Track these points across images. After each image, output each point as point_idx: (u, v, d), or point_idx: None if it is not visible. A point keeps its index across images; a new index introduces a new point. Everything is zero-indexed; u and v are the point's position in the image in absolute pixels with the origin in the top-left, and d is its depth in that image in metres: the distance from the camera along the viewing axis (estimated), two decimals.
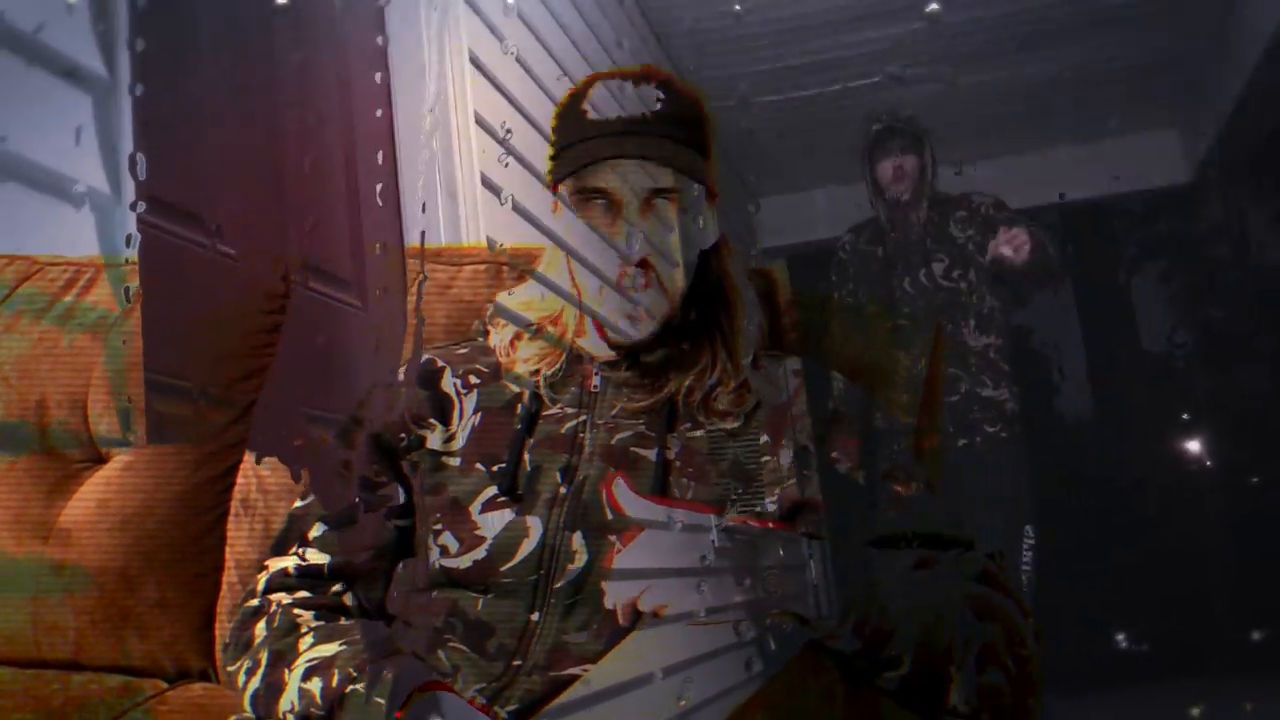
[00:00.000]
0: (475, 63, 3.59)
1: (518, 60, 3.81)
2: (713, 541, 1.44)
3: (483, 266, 2.31)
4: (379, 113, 3.35)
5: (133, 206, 2.40)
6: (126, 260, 2.33)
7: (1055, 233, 5.33)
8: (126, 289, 2.29)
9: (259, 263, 2.57)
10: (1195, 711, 5.64)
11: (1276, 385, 7.49)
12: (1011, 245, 5.09)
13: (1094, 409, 8.52)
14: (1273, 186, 7.68)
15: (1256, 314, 7.75)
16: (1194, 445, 7.76)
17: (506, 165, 3.44)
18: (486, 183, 3.44)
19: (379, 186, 3.32)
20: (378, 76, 3.36)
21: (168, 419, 2.28)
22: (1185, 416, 7.78)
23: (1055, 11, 6.33)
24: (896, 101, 5.89)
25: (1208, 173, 7.87)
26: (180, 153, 2.58)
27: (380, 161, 3.35)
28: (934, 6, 6.22)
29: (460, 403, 1.96)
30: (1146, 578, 7.33)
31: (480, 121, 3.50)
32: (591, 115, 1.91)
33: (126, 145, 2.46)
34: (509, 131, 3.53)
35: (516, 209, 3.19)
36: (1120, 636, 6.92)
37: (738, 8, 5.98)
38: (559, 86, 4.00)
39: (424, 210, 3.31)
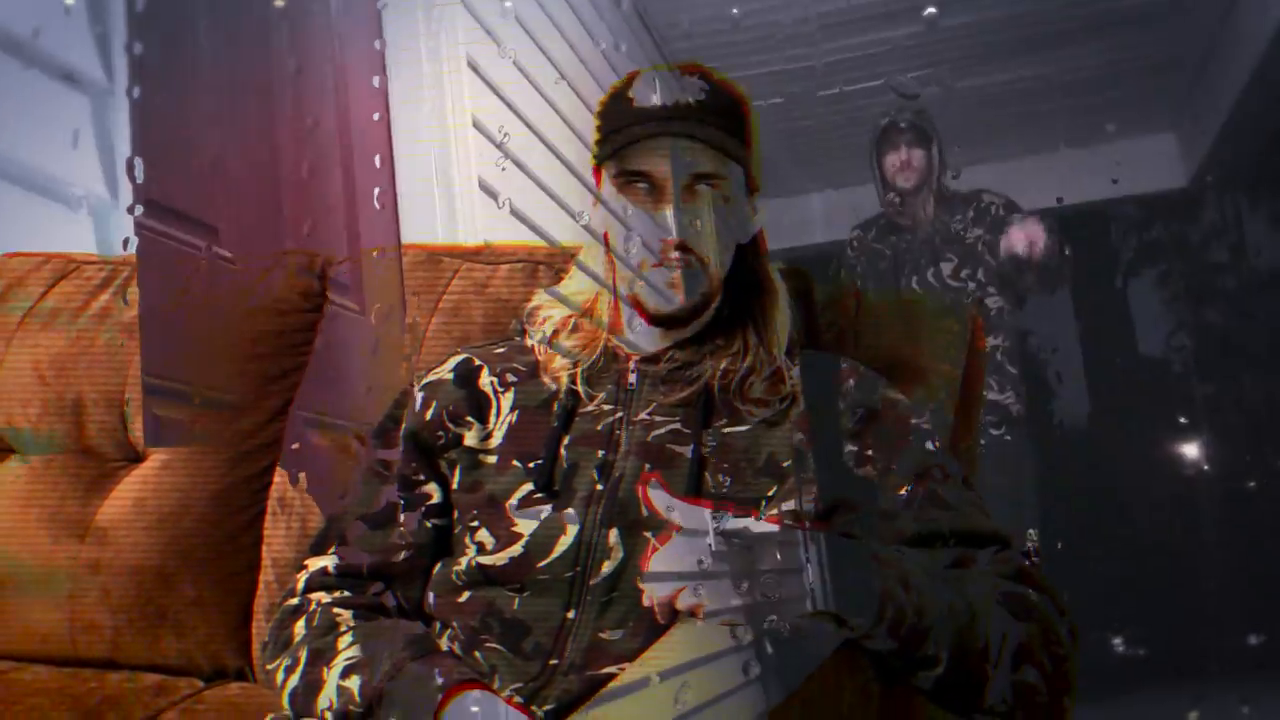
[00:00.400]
0: (473, 66, 3.59)
1: (515, 64, 3.80)
2: (709, 545, 1.43)
3: (519, 265, 2.32)
4: (376, 116, 3.35)
5: (130, 210, 2.40)
6: (124, 292, 2.33)
7: (1054, 236, 5.31)
8: (124, 292, 2.29)
9: (257, 265, 2.57)
10: (1192, 715, 5.64)
11: (1274, 389, 7.50)
12: (1025, 241, 5.08)
13: (1091, 413, 8.53)
14: (1270, 189, 7.69)
15: (1254, 317, 7.76)
16: (1191, 449, 7.77)
17: (504, 169, 3.43)
18: (484, 186, 3.43)
19: (376, 190, 3.32)
20: (375, 80, 3.36)
21: (166, 423, 2.29)
22: (1183, 420, 7.79)
23: (1053, 15, 6.34)
24: (897, 103, 5.90)
25: (1205, 176, 7.88)
26: (178, 156, 2.58)
27: (378, 165, 3.35)
28: (931, 10, 6.24)
29: (497, 401, 1.95)
30: (1142, 582, 7.34)
31: (478, 125, 3.50)
32: (637, 103, 1.91)
33: (124, 149, 2.46)
34: (507, 135, 3.53)
35: (514, 212, 3.18)
36: (1117, 641, 6.92)
37: (735, 11, 5.99)
38: (557, 90, 4.00)
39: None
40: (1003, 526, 1.80)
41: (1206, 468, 7.60)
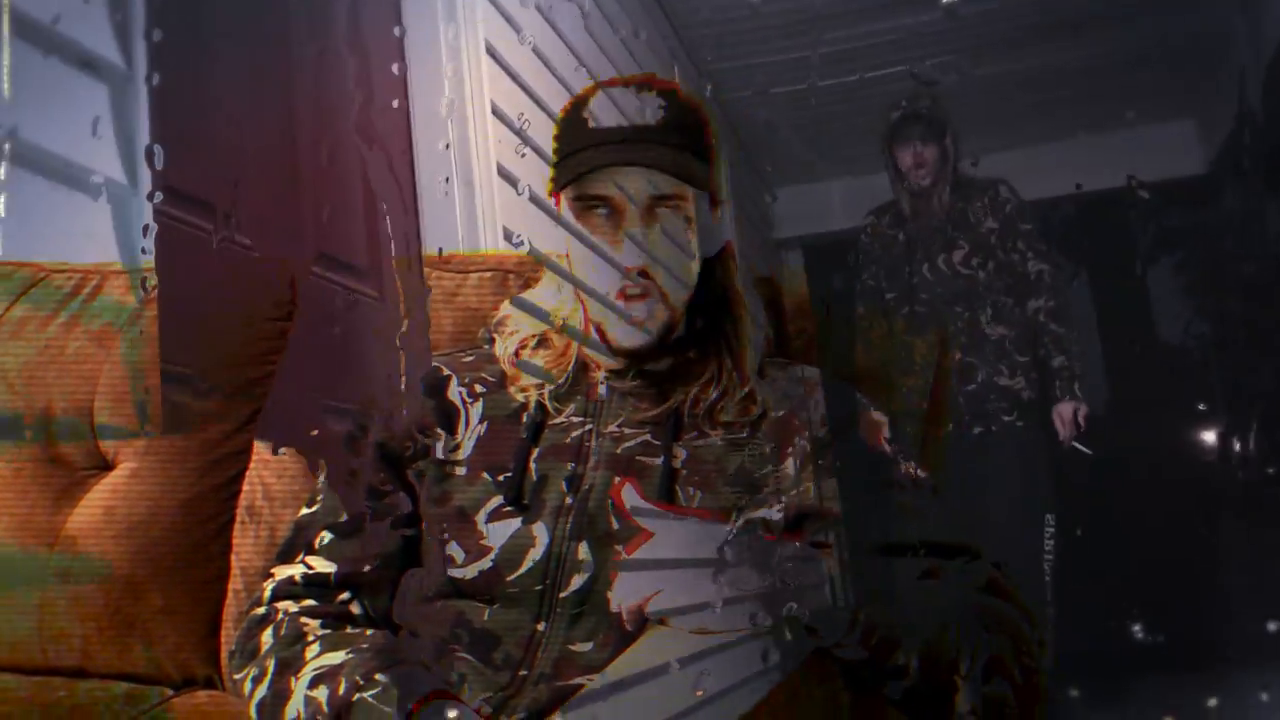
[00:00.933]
0: (492, 53, 3.59)
1: (534, 51, 3.81)
2: (730, 532, 1.44)
3: (489, 274, 2.32)
4: (395, 103, 3.35)
5: (150, 197, 2.40)
6: (143, 279, 2.34)
7: (1071, 224, 5.34)
8: (143, 279, 2.29)
9: (275, 253, 2.58)
10: (1211, 702, 5.63)
11: None
12: (1066, 424, 5.21)
13: (1110, 400, 8.51)
14: None
15: (1274, 304, 7.73)
16: (1210, 435, 7.75)
17: (523, 156, 3.44)
18: (503, 173, 3.44)
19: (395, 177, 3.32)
20: (395, 67, 3.36)
21: (185, 410, 2.29)
22: (1202, 407, 7.77)
23: (1071, 2, 6.32)
24: (909, 91, 5.90)
25: (1225, 163, 7.86)
26: (197, 143, 2.59)
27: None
28: None
29: (466, 411, 1.95)
30: (1161, 569, 7.33)
31: (497, 112, 3.50)
32: (593, 123, 1.90)
33: (143, 136, 2.47)
34: (526, 122, 3.54)
35: (533, 199, 3.18)
36: (1136, 627, 6.91)
37: None
38: (576, 77, 4.01)
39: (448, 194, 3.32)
40: (973, 540, 1.80)
41: (1225, 454, 7.58)
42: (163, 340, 2.25)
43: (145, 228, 2.42)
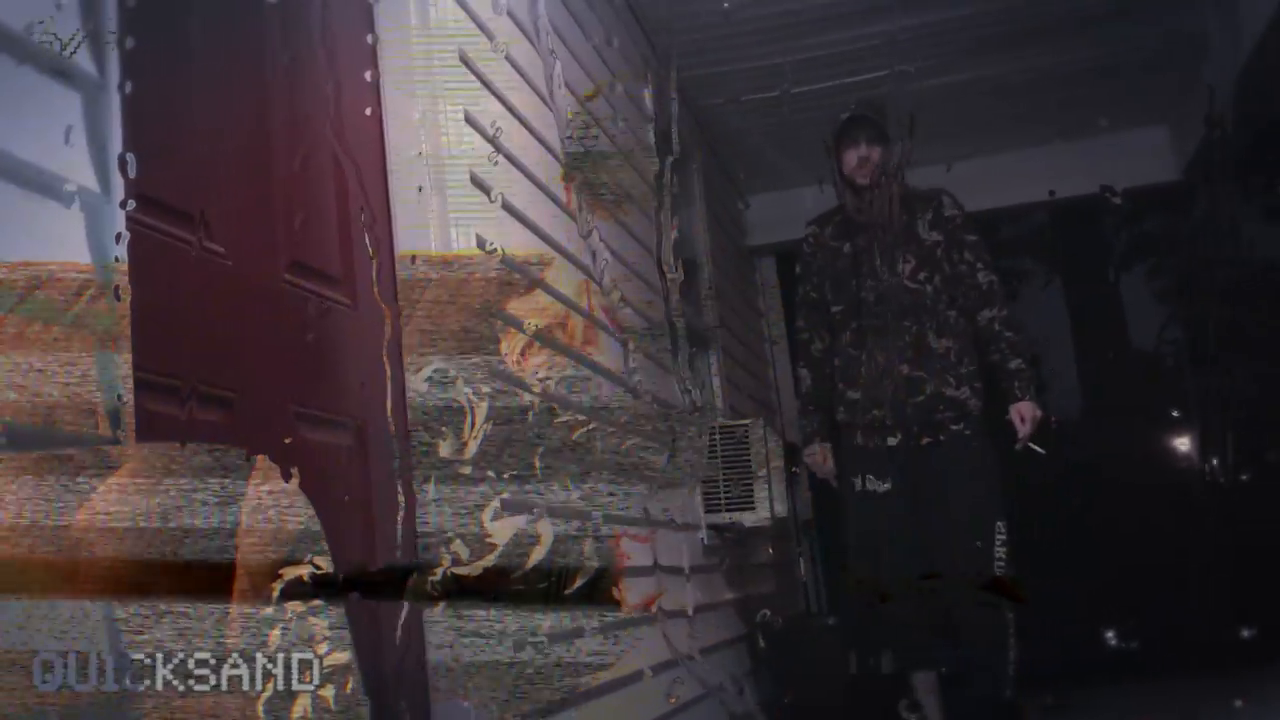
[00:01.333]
0: (465, 61, 3.59)
1: (507, 59, 3.81)
2: (702, 540, 1.45)
3: (493, 274, 2.33)
4: (369, 110, 3.34)
5: (122, 205, 2.40)
6: (115, 287, 2.33)
7: (1044, 231, 5.37)
8: (116, 288, 2.29)
9: (249, 260, 2.57)
10: (1186, 708, 5.65)
11: (1266, 381, 7.51)
12: (1023, 420, 5.25)
13: (1083, 406, 8.55)
14: (1261, 183, 7.70)
15: (1247, 310, 7.77)
16: (1184, 441, 7.78)
17: (496, 163, 3.44)
18: (476, 181, 3.43)
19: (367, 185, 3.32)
20: (367, 75, 3.36)
21: (157, 417, 2.28)
22: (1175, 413, 7.80)
23: (1046, 9, 6.34)
24: (861, 97, 5.93)
25: (1197, 169, 7.89)
26: (170, 151, 2.58)
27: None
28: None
29: (472, 412, 1.97)
30: (1135, 575, 7.35)
31: (469, 120, 3.50)
32: None
33: (116, 144, 2.46)
34: (498, 130, 3.53)
35: (505, 207, 3.18)
36: (1110, 634, 6.94)
37: (726, 5, 5.98)
38: (549, 85, 4.01)
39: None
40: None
41: (1197, 459, 7.61)
42: (138, 346, 2.25)
43: (118, 236, 2.41)
